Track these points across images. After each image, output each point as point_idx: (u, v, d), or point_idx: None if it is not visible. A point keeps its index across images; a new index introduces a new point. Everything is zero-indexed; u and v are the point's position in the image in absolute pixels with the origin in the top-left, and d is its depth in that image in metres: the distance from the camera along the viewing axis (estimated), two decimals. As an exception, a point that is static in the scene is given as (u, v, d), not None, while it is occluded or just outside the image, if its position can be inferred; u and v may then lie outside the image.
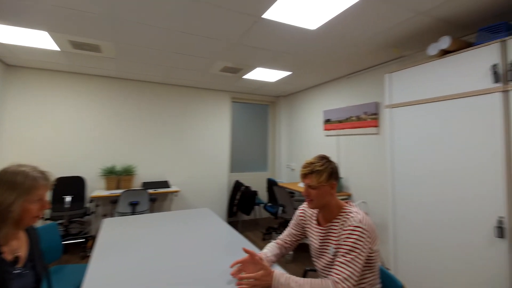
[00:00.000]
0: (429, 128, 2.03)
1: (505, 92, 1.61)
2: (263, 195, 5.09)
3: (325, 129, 3.92)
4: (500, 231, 1.59)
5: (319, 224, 1.29)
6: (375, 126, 3.11)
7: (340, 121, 3.64)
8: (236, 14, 1.93)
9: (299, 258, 3.32)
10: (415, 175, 2.12)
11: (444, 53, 1.98)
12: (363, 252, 1.04)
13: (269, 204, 4.13)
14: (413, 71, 2.16)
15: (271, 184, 3.97)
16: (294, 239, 1.42)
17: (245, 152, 5.11)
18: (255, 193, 4.12)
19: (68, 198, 3.19)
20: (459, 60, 1.85)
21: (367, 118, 3.21)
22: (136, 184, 4.04)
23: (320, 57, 2.84)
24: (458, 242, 1.81)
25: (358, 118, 3.34)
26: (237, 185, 4.50)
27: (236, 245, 1.64)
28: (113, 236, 1.74)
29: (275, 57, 2.83)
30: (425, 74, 2.07)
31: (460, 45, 1.93)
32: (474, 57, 1.76)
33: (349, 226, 1.10)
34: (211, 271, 1.27)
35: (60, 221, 3.24)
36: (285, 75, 3.56)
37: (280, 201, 3.48)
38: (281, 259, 3.19)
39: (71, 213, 3.21)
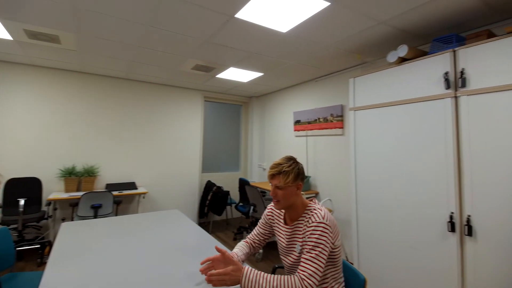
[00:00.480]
0: (389, 130, 2.17)
1: (455, 97, 1.77)
2: (235, 195, 5.08)
3: (295, 130, 4.03)
4: (452, 226, 1.74)
5: (286, 223, 1.32)
6: (341, 128, 3.26)
7: (309, 122, 3.76)
8: (208, 12, 1.91)
9: (269, 256, 3.36)
10: (376, 174, 2.26)
11: (402, 60, 2.14)
12: (326, 247, 1.09)
13: (241, 204, 4.13)
14: (375, 76, 2.29)
15: (243, 183, 3.98)
16: (262, 238, 1.44)
17: (217, 152, 5.07)
18: (227, 193, 4.11)
19: (22, 201, 2.92)
20: (415, 67, 2.00)
21: (333, 119, 3.36)
22: (99, 185, 3.80)
23: (290, 60, 2.91)
24: (416, 236, 1.96)
25: (325, 120, 3.48)
26: (209, 186, 4.45)
27: (206, 246, 1.61)
28: (72, 241, 1.63)
29: (247, 57, 2.85)
30: (385, 80, 2.21)
31: (416, 54, 2.10)
32: (428, 65, 1.92)
33: (313, 222, 1.14)
34: (179, 275, 1.24)
35: (13, 226, 2.97)
36: (257, 76, 3.60)
37: (251, 200, 3.50)
38: (251, 258, 3.23)
39: (25, 217, 2.96)
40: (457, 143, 1.76)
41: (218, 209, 4.09)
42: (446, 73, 1.80)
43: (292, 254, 1.24)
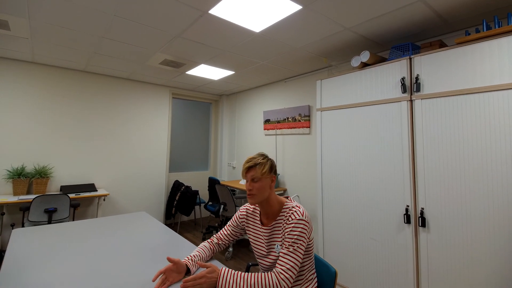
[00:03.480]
0: (352, 130, 2.33)
1: (411, 101, 1.96)
2: (204, 195, 5.00)
3: (265, 129, 4.10)
4: (407, 218, 1.92)
5: (263, 224, 1.31)
6: (308, 127, 3.40)
7: (278, 122, 3.86)
8: (181, 5, 1.85)
9: (239, 254, 3.38)
10: (340, 170, 2.40)
11: (365, 65, 2.30)
12: (304, 244, 1.13)
13: (210, 203, 4.09)
14: (340, 79, 2.44)
15: (213, 182, 3.94)
16: (231, 238, 1.42)
17: (185, 151, 4.94)
18: (196, 192, 4.03)
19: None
20: (376, 72, 2.17)
21: (301, 119, 3.49)
22: (53, 188, 3.47)
23: (261, 59, 2.96)
24: (376, 228, 2.12)
25: (294, 119, 3.60)
26: (177, 185, 4.32)
27: (174, 248, 1.56)
28: (27, 250, 1.47)
29: (219, 55, 2.83)
30: (349, 83, 2.36)
31: (377, 59, 2.27)
32: (387, 71, 2.10)
33: (293, 220, 1.16)
34: (144, 280, 1.17)
35: None
36: (228, 75, 3.58)
37: (221, 199, 3.48)
38: (221, 257, 3.21)
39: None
40: (412, 142, 1.95)
41: (186, 209, 4.00)
42: (403, 79, 1.98)
43: (271, 255, 1.24)
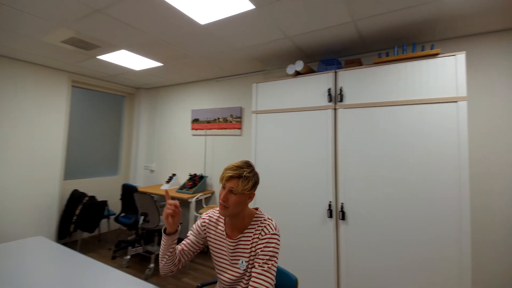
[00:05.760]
0: (284, 132, 2.47)
1: (335, 109, 2.23)
2: (113, 204, 4.27)
3: (193, 128, 3.88)
4: (330, 212, 2.17)
5: (227, 236, 1.20)
6: (239, 128, 3.42)
7: (208, 122, 3.72)
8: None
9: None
10: (272, 169, 2.51)
11: (297, 74, 2.50)
12: (277, 259, 1.08)
13: (123, 214, 3.51)
14: (276, 84, 2.56)
15: (129, 190, 3.38)
16: (194, 246, 1.25)
17: (88, 153, 4.10)
18: (103, 203, 3.39)
19: None
20: (307, 81, 2.38)
21: (233, 120, 3.48)
22: None
23: (198, 54, 2.78)
24: (304, 222, 2.30)
25: (225, 120, 3.55)
26: (77, 196, 3.51)
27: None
28: None
29: (149, 42, 2.48)
30: (284, 88, 2.51)
31: (308, 70, 2.50)
32: (317, 81, 2.33)
33: (266, 234, 1.10)
34: None
35: None
36: (154, 66, 3.21)
37: (141, 209, 3.04)
38: (140, 275, 2.81)
39: None
40: (334, 146, 2.21)
41: (90, 225, 3.30)
42: (329, 89, 2.24)
43: (234, 270, 1.14)
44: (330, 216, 2.17)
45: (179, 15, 1.95)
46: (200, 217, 1.30)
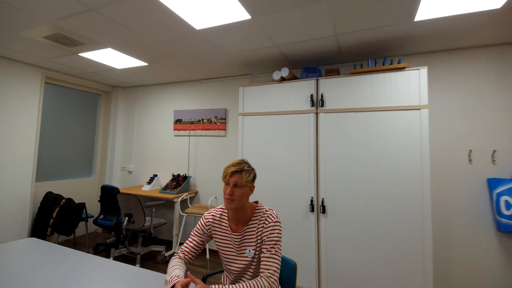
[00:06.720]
0: (270, 134, 2.65)
1: (316, 113, 2.46)
2: (89, 208, 4.11)
3: (175, 129, 3.89)
4: (312, 207, 2.38)
5: (233, 231, 1.30)
6: (224, 129, 3.53)
7: (192, 122, 3.76)
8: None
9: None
10: (259, 168, 2.67)
11: (283, 79, 2.69)
12: (281, 242, 1.22)
13: (102, 216, 3.42)
14: (262, 88, 2.72)
15: (110, 192, 3.30)
16: (198, 249, 1.34)
17: (60, 153, 3.90)
18: (81, 206, 3.27)
19: None
20: (292, 87, 2.58)
21: (218, 121, 3.57)
22: None
23: (186, 57, 2.84)
24: (288, 217, 2.49)
25: (210, 121, 3.63)
26: (52, 199, 3.34)
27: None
28: None
29: (139, 42, 2.49)
30: (270, 93, 2.68)
31: (292, 76, 2.70)
32: (301, 87, 2.54)
33: (270, 223, 1.23)
34: None
35: None
36: (138, 65, 3.18)
37: (125, 210, 3.00)
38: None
39: None
40: (316, 146, 2.44)
41: (67, 228, 3.16)
42: (311, 95, 2.46)
43: (242, 259, 1.26)
44: (312, 210, 2.38)
45: (176, 18, 2.01)
46: (203, 216, 1.39)
